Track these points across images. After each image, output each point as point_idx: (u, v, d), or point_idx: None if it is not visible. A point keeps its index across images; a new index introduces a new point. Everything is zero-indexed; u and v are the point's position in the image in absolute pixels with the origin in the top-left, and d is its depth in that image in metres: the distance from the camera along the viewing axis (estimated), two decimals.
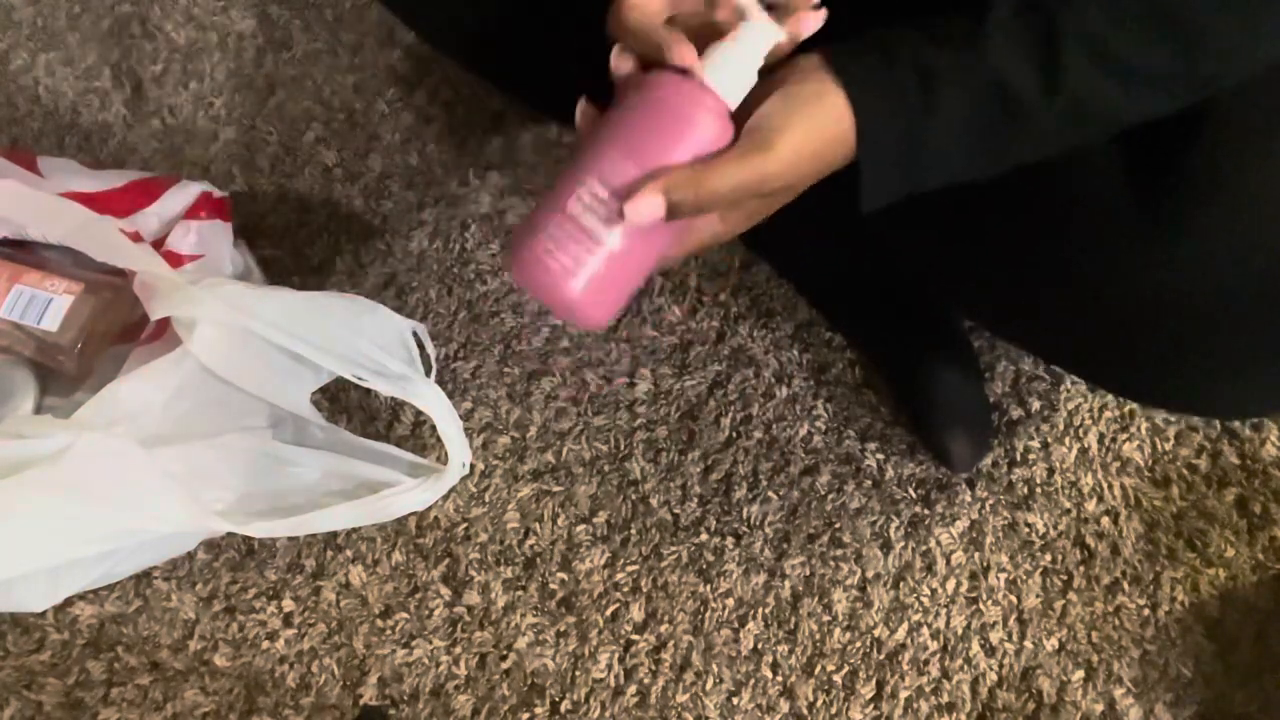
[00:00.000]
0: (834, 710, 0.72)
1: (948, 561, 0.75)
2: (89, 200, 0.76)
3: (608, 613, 0.75)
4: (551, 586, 0.75)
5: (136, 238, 0.73)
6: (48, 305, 0.72)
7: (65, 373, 0.74)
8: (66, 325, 0.72)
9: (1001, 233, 0.58)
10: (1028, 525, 0.75)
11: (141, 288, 0.67)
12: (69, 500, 0.63)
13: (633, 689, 0.73)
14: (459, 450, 0.68)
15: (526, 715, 0.73)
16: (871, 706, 0.72)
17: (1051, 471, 0.76)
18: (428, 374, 0.69)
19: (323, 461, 0.72)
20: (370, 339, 0.67)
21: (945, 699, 0.72)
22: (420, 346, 0.70)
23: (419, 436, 0.79)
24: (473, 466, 0.78)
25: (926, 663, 0.73)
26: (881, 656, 0.73)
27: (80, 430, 0.62)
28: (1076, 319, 0.57)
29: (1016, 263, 0.58)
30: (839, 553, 0.75)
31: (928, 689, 0.72)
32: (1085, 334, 0.57)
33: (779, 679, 0.73)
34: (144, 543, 0.70)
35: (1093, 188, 0.52)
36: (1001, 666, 0.73)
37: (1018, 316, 0.63)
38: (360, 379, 0.67)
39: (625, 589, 0.75)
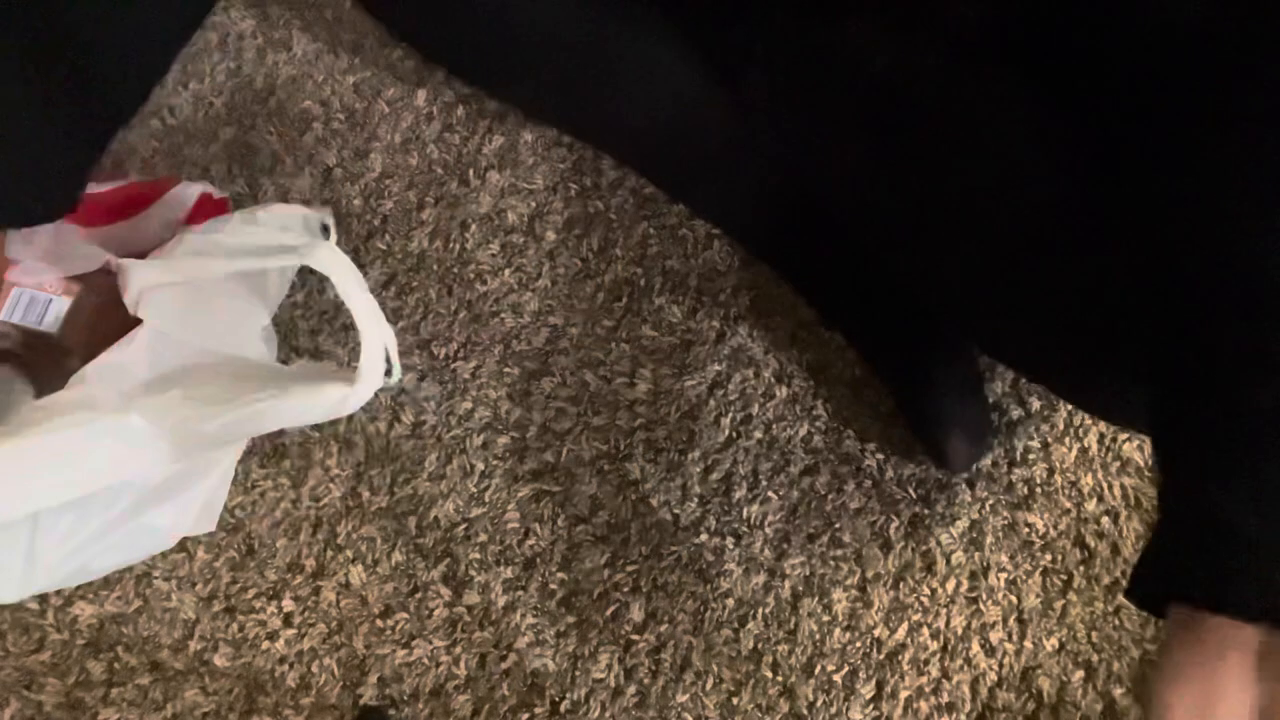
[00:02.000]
0: (834, 710, 0.72)
1: (948, 561, 0.75)
2: (90, 200, 0.76)
3: (608, 613, 0.75)
4: (551, 586, 0.75)
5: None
6: (48, 306, 0.73)
7: (70, 372, 0.74)
8: (68, 325, 0.72)
9: (978, 256, 0.58)
10: (1028, 525, 0.75)
11: (120, 280, 0.68)
12: (32, 446, 0.62)
13: (633, 689, 0.73)
14: (374, 332, 0.64)
15: (526, 715, 0.73)
16: (871, 706, 0.72)
17: (1051, 471, 0.76)
18: (330, 239, 0.71)
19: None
20: (268, 229, 0.69)
21: (945, 699, 0.72)
22: (326, 231, 0.72)
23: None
24: (472, 466, 0.78)
25: (926, 663, 0.73)
26: (881, 656, 0.73)
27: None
28: (1058, 343, 0.57)
29: (994, 284, 0.58)
30: (839, 553, 0.75)
31: (928, 689, 0.72)
32: (1070, 358, 0.58)
33: (779, 679, 0.73)
34: (120, 538, 0.70)
35: (1069, 206, 0.53)
36: (1001, 666, 0.73)
37: (1002, 339, 0.63)
38: (269, 267, 0.69)
39: (625, 589, 0.75)
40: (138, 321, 0.73)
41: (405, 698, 0.73)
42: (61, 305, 0.72)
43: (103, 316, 0.74)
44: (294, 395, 0.65)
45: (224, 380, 0.69)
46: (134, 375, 0.66)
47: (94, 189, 0.77)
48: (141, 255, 0.71)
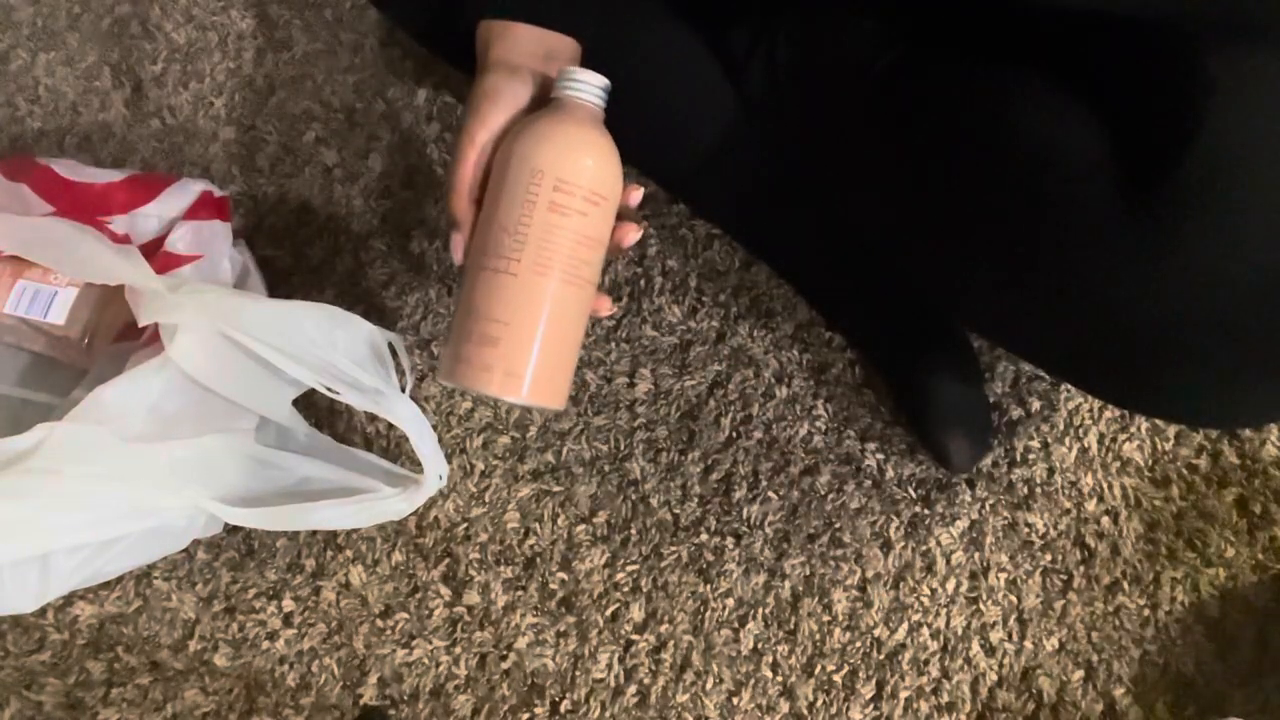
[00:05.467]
0: (834, 710, 0.72)
1: (948, 561, 0.75)
2: (91, 192, 0.76)
3: (608, 613, 0.75)
4: (551, 586, 0.75)
5: (125, 239, 0.73)
6: (53, 298, 0.72)
7: (76, 365, 0.74)
8: (74, 317, 0.72)
9: (992, 242, 0.58)
10: (1028, 525, 0.75)
11: (130, 294, 0.67)
12: (46, 484, 0.63)
13: (633, 689, 0.73)
14: (433, 464, 0.69)
15: (526, 715, 0.73)
16: (871, 706, 0.72)
17: (1051, 471, 0.76)
18: (403, 386, 0.69)
19: (303, 466, 0.72)
20: (343, 351, 0.67)
21: (945, 699, 0.72)
22: (395, 358, 0.70)
23: (402, 436, 0.79)
24: (472, 466, 0.78)
25: (926, 663, 0.73)
26: (881, 656, 0.73)
27: (53, 425, 0.62)
28: (1065, 328, 0.57)
29: (1006, 272, 0.58)
30: (839, 553, 0.75)
31: (928, 689, 0.72)
32: (1074, 342, 0.57)
33: (779, 679, 0.73)
34: (133, 543, 0.70)
35: (1083, 199, 0.53)
36: (1001, 666, 0.73)
37: (1008, 324, 0.63)
38: (331, 391, 0.67)
39: (625, 589, 0.75)
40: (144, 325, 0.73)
41: (405, 698, 0.73)
42: (67, 297, 0.72)
43: (108, 308, 0.74)
44: (353, 506, 0.69)
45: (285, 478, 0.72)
46: (157, 409, 0.66)
47: (96, 179, 0.77)
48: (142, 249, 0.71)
